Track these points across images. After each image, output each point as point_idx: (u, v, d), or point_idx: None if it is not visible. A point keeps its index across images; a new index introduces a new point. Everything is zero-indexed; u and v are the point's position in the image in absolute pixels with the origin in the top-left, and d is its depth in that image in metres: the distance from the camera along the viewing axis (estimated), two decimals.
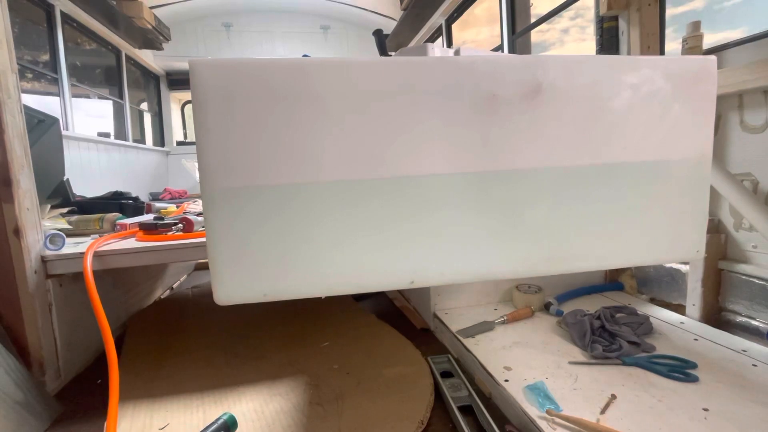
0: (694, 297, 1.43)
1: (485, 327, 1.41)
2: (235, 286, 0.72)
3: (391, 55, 1.52)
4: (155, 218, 1.58)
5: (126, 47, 4.13)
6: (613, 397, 0.99)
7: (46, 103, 3.06)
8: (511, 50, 2.96)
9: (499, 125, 0.75)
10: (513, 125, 0.76)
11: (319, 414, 1.03)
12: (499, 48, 3.08)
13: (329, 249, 0.73)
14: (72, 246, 1.34)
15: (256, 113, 0.68)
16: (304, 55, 1.11)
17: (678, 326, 1.38)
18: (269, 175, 0.70)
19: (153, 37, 4.10)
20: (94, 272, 1.14)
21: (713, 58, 0.82)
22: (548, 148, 0.78)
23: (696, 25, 1.43)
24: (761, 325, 1.26)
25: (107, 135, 3.78)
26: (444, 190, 0.75)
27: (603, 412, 0.94)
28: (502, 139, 0.76)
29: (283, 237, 0.72)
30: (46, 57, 3.05)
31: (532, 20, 2.88)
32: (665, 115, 0.80)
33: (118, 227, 1.58)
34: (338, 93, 0.70)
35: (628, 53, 1.70)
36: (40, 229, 1.25)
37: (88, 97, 3.77)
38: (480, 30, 3.96)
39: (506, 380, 1.08)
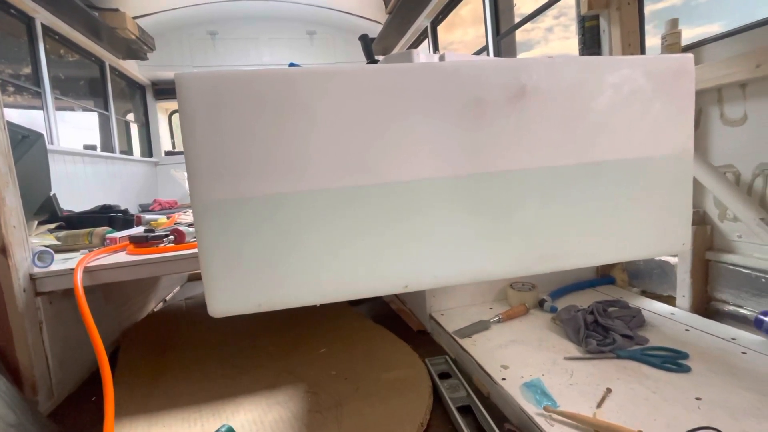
0: (683, 288, 1.46)
1: (481, 326, 1.42)
2: (229, 297, 0.72)
3: (377, 60, 1.53)
4: (146, 231, 1.57)
5: (110, 58, 4.09)
6: (609, 390, 1.00)
7: (29, 117, 3.01)
8: (497, 51, 2.99)
9: (486, 128, 0.76)
10: (500, 128, 0.77)
11: (319, 422, 1.03)
12: (485, 49, 3.11)
13: (322, 257, 0.74)
14: (61, 262, 1.32)
15: (244, 124, 0.68)
16: (291, 64, 1.11)
17: (669, 317, 1.41)
18: (259, 185, 0.70)
19: (137, 48, 4.07)
20: (85, 288, 1.13)
21: (690, 56, 0.84)
22: (535, 149, 0.79)
23: (674, 23, 1.46)
24: (749, 313, 1.29)
25: (93, 147, 3.73)
26: (434, 194, 0.76)
27: (599, 406, 0.95)
28: (490, 141, 0.77)
29: (276, 246, 0.72)
30: (27, 70, 3.00)
31: (516, 20, 2.92)
32: (646, 112, 0.82)
33: (108, 241, 1.56)
34: (325, 102, 0.70)
35: (610, 51, 1.73)
36: (28, 247, 1.23)
37: (72, 109, 3.73)
38: (466, 31, 4.00)
39: (503, 379, 1.09)
